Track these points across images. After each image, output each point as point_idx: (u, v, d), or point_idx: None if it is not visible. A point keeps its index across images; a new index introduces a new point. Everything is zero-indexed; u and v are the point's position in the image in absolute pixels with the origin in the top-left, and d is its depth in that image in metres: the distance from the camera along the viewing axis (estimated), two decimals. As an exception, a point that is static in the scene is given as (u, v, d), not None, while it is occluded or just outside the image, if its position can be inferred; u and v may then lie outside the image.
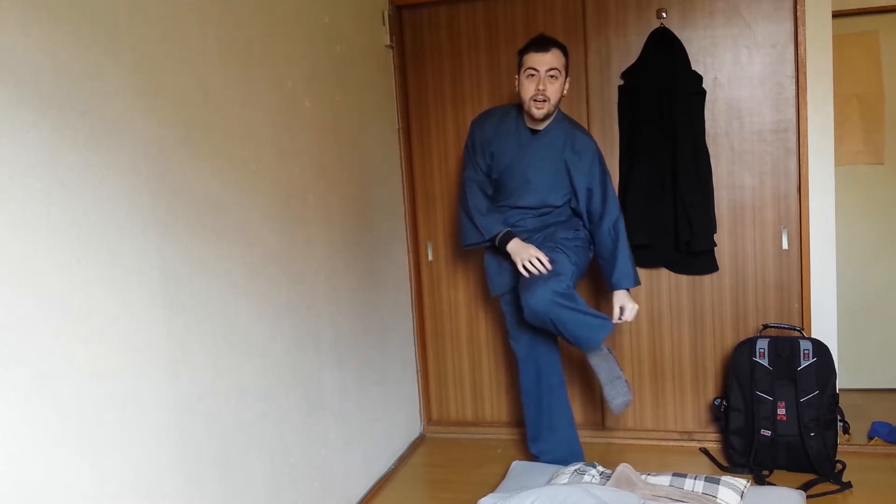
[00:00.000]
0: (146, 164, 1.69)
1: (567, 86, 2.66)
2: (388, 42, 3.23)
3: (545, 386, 2.85)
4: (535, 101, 2.57)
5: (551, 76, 2.55)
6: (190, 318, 1.83)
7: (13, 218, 1.34)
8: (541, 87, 2.55)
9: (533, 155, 2.68)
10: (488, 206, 2.76)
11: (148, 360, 1.68)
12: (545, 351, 2.83)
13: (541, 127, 2.68)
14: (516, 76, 2.65)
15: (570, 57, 2.67)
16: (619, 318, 2.70)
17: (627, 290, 2.69)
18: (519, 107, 2.71)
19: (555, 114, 2.68)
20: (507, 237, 2.70)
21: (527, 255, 2.63)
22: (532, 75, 2.56)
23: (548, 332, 2.80)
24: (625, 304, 2.69)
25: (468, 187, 2.79)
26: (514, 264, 2.69)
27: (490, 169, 2.77)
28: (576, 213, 2.75)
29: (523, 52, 2.62)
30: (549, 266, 2.61)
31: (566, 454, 2.83)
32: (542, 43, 2.57)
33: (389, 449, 3.11)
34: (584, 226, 2.74)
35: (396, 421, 3.20)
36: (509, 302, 2.87)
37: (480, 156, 2.77)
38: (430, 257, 3.45)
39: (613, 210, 2.67)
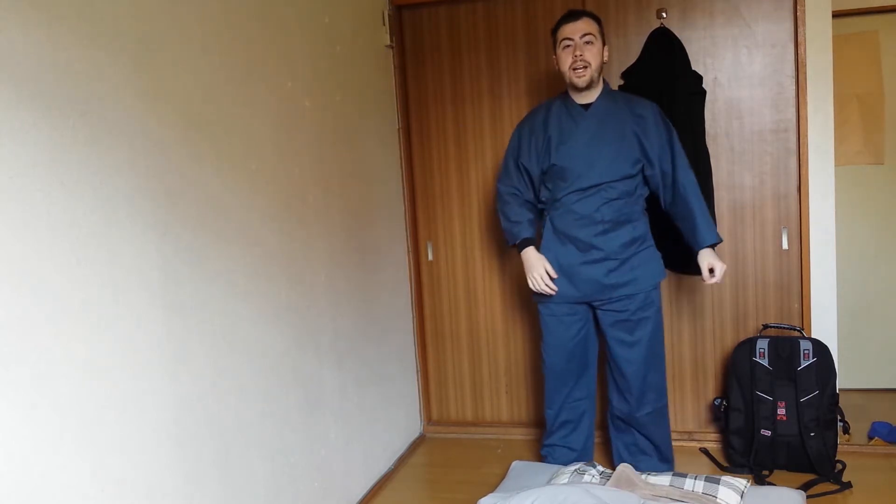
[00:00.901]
0: (146, 164, 1.69)
1: (607, 53, 2.60)
2: (388, 42, 3.23)
3: (570, 403, 2.81)
4: (574, 69, 2.52)
5: (587, 42, 2.51)
6: (190, 318, 1.83)
7: (13, 218, 1.34)
8: (578, 53, 2.50)
9: (592, 127, 2.59)
10: (516, 212, 2.71)
11: (148, 360, 1.68)
12: (578, 383, 2.80)
13: (591, 99, 2.61)
14: (554, 55, 2.61)
15: (603, 26, 2.62)
16: (711, 279, 2.60)
17: (713, 246, 2.60)
18: (564, 93, 2.67)
19: (602, 86, 2.61)
20: (523, 244, 2.68)
21: (535, 275, 2.63)
22: (568, 46, 2.53)
23: (582, 360, 2.77)
24: (714, 264, 2.58)
25: (498, 197, 2.79)
26: (582, 273, 2.61)
27: (545, 161, 2.63)
28: (648, 184, 2.64)
29: (555, 29, 2.59)
30: (554, 289, 2.61)
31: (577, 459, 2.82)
32: (571, 14, 2.56)
33: (389, 449, 3.11)
34: (662, 199, 2.63)
35: (396, 421, 3.20)
36: (555, 316, 2.71)
37: (527, 154, 2.67)
38: (430, 257, 3.45)
39: (683, 166, 2.59)
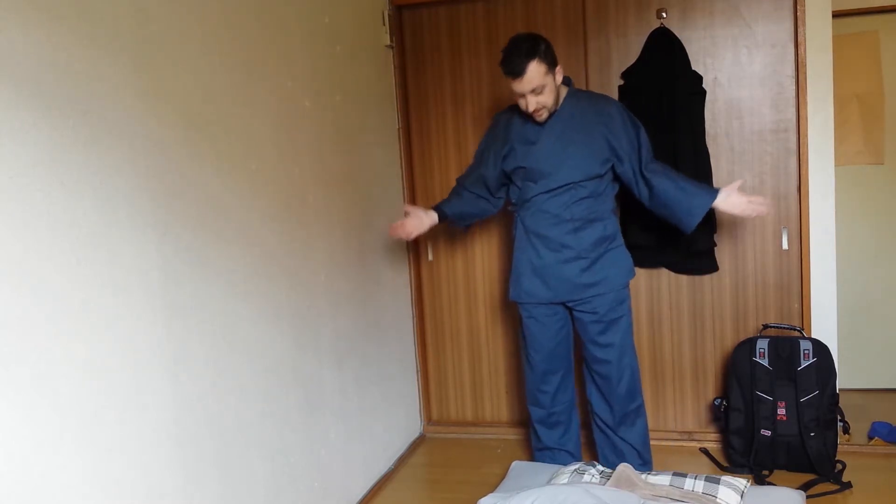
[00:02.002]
0: (146, 164, 1.69)
1: (559, 76, 2.53)
2: (388, 42, 3.23)
3: (558, 405, 2.83)
4: (533, 114, 2.53)
5: (537, 93, 2.47)
6: (190, 318, 1.83)
7: (13, 218, 1.34)
8: (531, 108, 2.50)
9: (558, 129, 2.58)
10: (454, 192, 2.83)
11: (148, 360, 1.68)
12: (563, 383, 2.81)
13: (556, 107, 2.60)
14: None
15: (553, 50, 2.50)
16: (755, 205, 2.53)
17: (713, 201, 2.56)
18: None
19: (566, 91, 2.61)
20: (435, 207, 2.79)
21: (404, 218, 2.74)
22: (521, 97, 2.49)
23: (565, 359, 2.79)
24: (741, 202, 2.53)
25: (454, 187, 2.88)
26: (555, 273, 2.62)
27: (508, 160, 2.65)
28: (621, 181, 2.64)
29: (503, 71, 2.48)
30: (405, 233, 2.71)
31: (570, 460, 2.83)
32: (512, 69, 2.43)
33: (389, 449, 3.11)
34: (638, 195, 2.62)
35: (396, 421, 3.20)
36: (535, 318, 2.73)
37: (486, 162, 2.71)
38: (430, 257, 3.45)
39: (648, 160, 2.59)
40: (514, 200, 2.72)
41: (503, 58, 2.46)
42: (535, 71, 2.42)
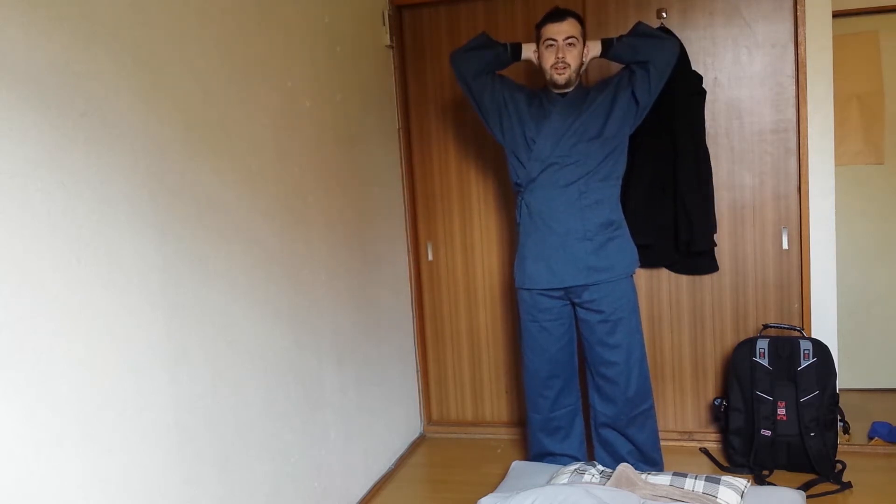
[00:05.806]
0: (146, 164, 1.69)
1: (587, 52, 2.65)
2: (388, 42, 3.23)
3: (558, 409, 2.80)
4: (555, 68, 2.58)
5: (569, 44, 2.58)
6: (190, 318, 1.83)
7: (13, 218, 1.34)
8: (560, 56, 2.57)
9: (566, 108, 2.63)
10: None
11: (148, 360, 1.68)
12: (565, 387, 2.79)
13: (567, 90, 2.66)
14: (535, 51, 2.66)
15: (585, 26, 2.68)
16: None
17: None
18: (543, 87, 2.72)
19: (578, 82, 2.68)
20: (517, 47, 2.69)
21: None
22: (551, 45, 2.58)
23: (568, 365, 2.78)
24: None
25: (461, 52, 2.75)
26: (560, 255, 2.61)
27: (511, 108, 2.68)
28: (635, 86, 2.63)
29: (540, 25, 2.63)
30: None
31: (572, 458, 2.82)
32: (557, 14, 2.59)
33: (389, 449, 3.11)
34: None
35: (396, 421, 3.20)
36: (538, 322, 2.72)
37: (510, 90, 2.70)
38: (430, 257, 3.45)
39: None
40: (519, 181, 2.70)
41: (546, 13, 2.62)
42: (574, 23, 2.60)
